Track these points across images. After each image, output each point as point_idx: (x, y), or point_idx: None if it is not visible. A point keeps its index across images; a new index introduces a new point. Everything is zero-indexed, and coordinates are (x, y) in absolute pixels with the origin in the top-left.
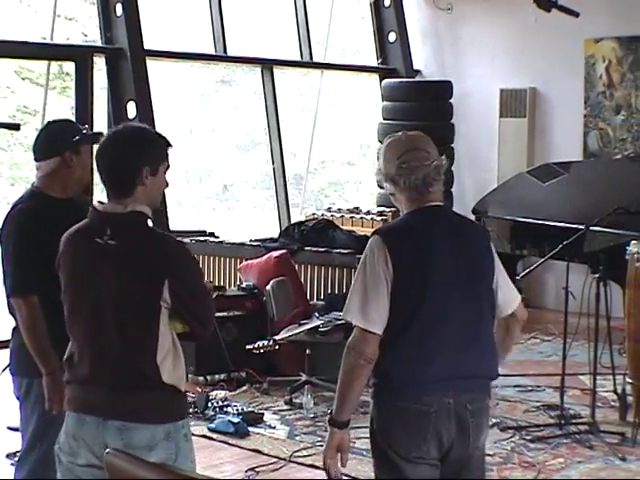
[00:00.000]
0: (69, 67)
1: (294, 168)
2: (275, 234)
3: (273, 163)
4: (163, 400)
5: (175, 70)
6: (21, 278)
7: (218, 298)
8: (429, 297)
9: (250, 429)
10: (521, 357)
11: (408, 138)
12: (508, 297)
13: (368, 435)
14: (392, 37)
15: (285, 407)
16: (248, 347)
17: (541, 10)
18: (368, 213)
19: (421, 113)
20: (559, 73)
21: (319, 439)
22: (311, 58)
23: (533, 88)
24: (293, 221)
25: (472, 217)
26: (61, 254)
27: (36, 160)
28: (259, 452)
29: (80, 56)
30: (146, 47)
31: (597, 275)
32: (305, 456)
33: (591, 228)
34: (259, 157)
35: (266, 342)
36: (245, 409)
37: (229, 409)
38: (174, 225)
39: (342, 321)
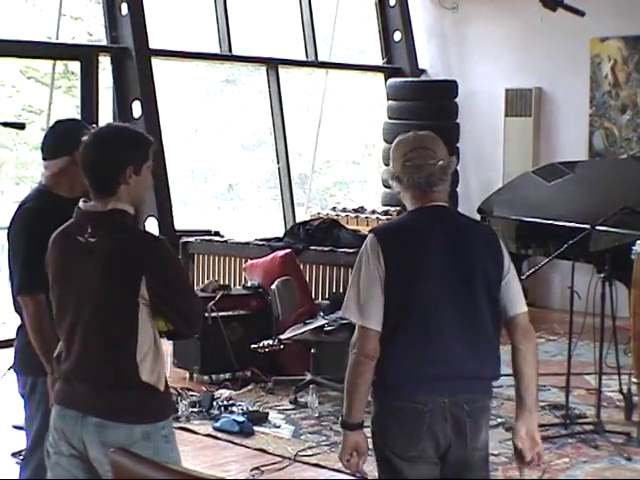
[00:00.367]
0: (74, 66)
1: (299, 167)
2: (280, 233)
3: (278, 162)
4: (141, 400)
5: (180, 69)
6: (28, 277)
7: (223, 297)
8: (421, 296)
9: (255, 428)
10: None
11: (415, 137)
12: (512, 302)
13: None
14: (397, 36)
15: (290, 406)
16: (253, 346)
17: (547, 9)
18: (373, 212)
19: (426, 112)
20: (565, 72)
21: (324, 438)
22: (316, 57)
23: (538, 87)
24: (298, 220)
25: (477, 217)
26: (48, 253)
27: (44, 159)
28: (264, 451)
29: (85, 55)
30: (151, 46)
31: (602, 275)
32: (310, 455)
33: (596, 228)
34: (264, 156)
35: (271, 341)
36: (250, 408)
37: (234, 408)
38: (179, 224)
39: (347, 320)
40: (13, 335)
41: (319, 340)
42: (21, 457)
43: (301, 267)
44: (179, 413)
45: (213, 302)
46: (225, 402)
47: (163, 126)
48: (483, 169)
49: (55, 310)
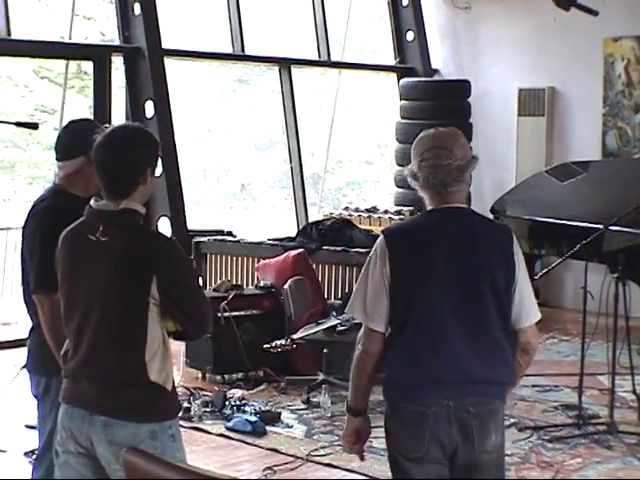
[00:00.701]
0: (87, 66)
1: (312, 167)
2: (293, 233)
3: (291, 162)
4: (149, 399)
5: (193, 69)
6: (44, 276)
7: (236, 297)
8: (426, 298)
9: (267, 428)
10: (539, 357)
11: (435, 135)
12: (523, 311)
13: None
14: (410, 36)
15: (302, 406)
16: (265, 346)
17: (560, 9)
18: (386, 212)
19: (439, 112)
20: (578, 72)
21: (336, 438)
22: (329, 57)
23: (552, 87)
24: (311, 220)
25: (490, 216)
26: (58, 251)
27: (59, 160)
28: (276, 451)
29: (98, 55)
30: (164, 46)
31: (616, 275)
32: (322, 455)
33: (610, 228)
34: (277, 156)
35: (283, 341)
36: (262, 408)
37: (246, 408)
38: (192, 224)
39: (359, 320)
40: (25, 335)
41: (331, 340)
42: (34, 457)
43: (313, 267)
44: (191, 413)
45: (226, 302)
46: (237, 402)
47: (176, 126)
48: (496, 169)
49: (63, 308)
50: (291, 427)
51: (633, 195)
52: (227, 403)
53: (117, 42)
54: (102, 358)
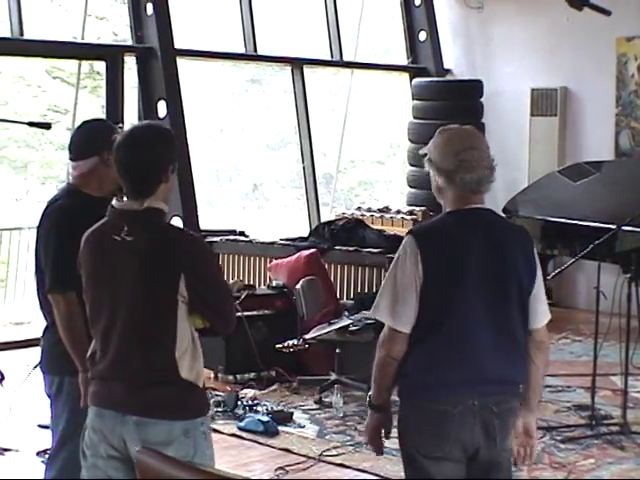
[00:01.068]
0: (100, 66)
1: (324, 167)
2: (305, 233)
3: (303, 162)
4: (181, 396)
5: (205, 69)
6: (59, 275)
7: (248, 297)
8: (458, 298)
9: (280, 428)
10: (552, 357)
11: (467, 135)
12: (539, 311)
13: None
14: (422, 36)
15: (315, 406)
16: (278, 346)
17: (573, 9)
18: (398, 212)
19: (451, 112)
20: (590, 72)
21: (348, 438)
22: (341, 57)
23: (564, 87)
24: (323, 220)
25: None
26: (81, 252)
27: (73, 160)
28: (289, 451)
29: (111, 55)
30: (176, 46)
31: (629, 275)
32: (334, 455)
33: (623, 228)
34: (289, 156)
35: (296, 341)
36: (275, 408)
37: (259, 408)
38: (204, 224)
39: (372, 320)
40: (38, 334)
41: (344, 340)
42: (46, 456)
43: (326, 267)
44: None
45: (238, 302)
46: (250, 402)
47: (188, 126)
48: (508, 169)
49: (89, 310)
50: (303, 427)
51: None
52: (239, 403)
53: (129, 42)
54: (131, 358)
